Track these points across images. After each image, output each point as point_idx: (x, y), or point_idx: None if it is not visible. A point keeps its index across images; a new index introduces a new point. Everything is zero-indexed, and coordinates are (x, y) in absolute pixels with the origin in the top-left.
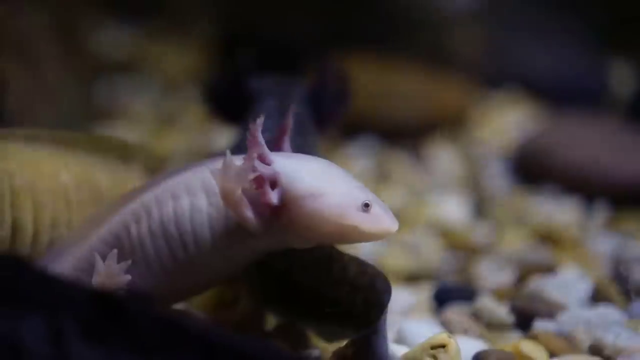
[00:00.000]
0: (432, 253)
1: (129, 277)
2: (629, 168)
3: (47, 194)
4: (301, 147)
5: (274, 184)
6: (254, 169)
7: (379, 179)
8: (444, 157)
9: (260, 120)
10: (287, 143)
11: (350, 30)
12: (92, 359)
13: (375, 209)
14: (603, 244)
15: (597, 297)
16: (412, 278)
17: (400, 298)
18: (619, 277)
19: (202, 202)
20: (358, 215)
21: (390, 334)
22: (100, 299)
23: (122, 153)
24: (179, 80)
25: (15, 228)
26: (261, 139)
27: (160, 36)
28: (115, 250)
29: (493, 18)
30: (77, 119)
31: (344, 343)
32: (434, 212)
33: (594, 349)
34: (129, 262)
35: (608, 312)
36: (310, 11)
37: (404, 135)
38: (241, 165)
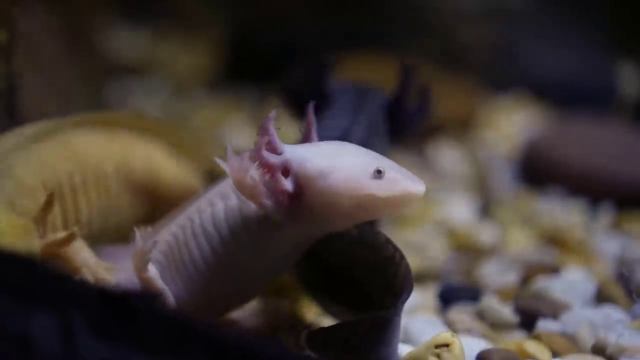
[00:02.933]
0: (438, 253)
1: (156, 253)
2: (634, 170)
3: (95, 181)
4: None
5: (286, 172)
6: (261, 158)
7: None
8: (450, 159)
9: (273, 113)
10: (314, 140)
11: (358, 32)
12: (101, 356)
13: (390, 174)
14: (608, 245)
15: (600, 297)
16: (417, 277)
17: None
18: (622, 277)
19: (234, 202)
20: (371, 183)
21: None
22: (110, 296)
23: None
24: (189, 82)
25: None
26: (272, 130)
27: (170, 38)
28: (149, 229)
29: (501, 21)
30: None
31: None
32: (440, 213)
33: (597, 349)
34: (156, 239)
35: (611, 312)
36: (317, 12)
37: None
38: (244, 154)
